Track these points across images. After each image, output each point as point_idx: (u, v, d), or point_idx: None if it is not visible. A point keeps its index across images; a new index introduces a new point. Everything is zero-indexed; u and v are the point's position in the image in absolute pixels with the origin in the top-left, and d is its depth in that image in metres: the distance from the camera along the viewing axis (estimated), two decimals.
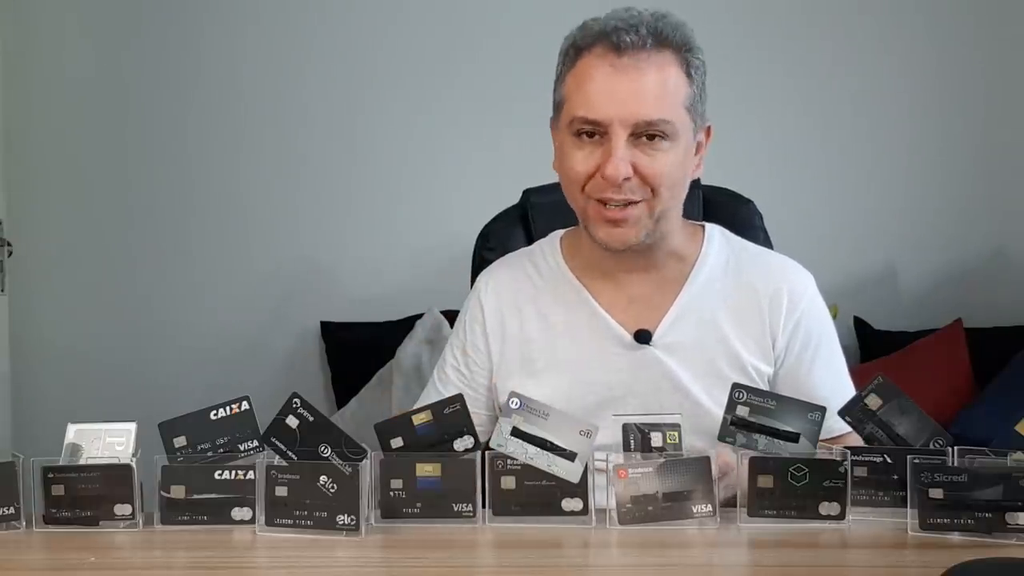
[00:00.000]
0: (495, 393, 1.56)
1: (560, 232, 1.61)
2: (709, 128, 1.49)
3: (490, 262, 1.71)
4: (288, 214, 3.43)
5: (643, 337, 1.49)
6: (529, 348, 1.54)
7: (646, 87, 1.39)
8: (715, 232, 1.56)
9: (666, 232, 1.48)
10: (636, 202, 1.41)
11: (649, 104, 1.38)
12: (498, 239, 1.81)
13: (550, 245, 1.60)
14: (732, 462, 1.26)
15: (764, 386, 1.48)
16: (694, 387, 1.47)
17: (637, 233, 1.44)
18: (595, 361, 1.50)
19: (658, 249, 1.50)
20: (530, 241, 1.76)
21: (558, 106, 1.48)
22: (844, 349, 1.58)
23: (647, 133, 1.39)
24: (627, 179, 1.39)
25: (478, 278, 1.63)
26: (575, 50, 1.44)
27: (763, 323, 1.50)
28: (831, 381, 1.50)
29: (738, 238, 1.59)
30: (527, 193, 1.86)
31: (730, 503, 1.26)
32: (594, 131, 1.41)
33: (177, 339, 3.42)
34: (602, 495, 1.24)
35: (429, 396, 1.55)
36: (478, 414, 1.53)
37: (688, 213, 1.58)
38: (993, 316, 3.23)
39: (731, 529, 1.22)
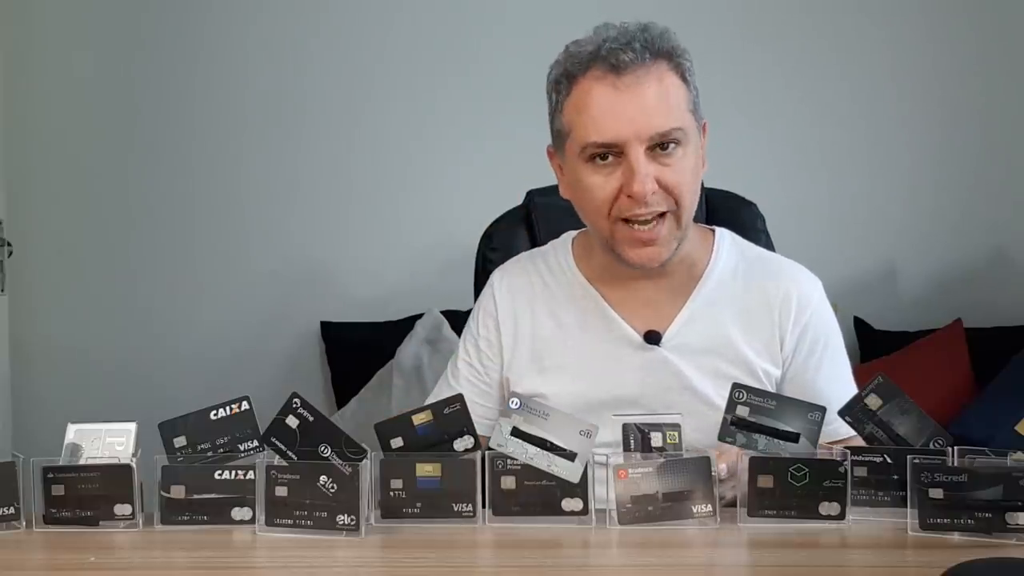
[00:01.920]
0: (506, 388, 1.56)
1: (572, 233, 1.62)
2: (705, 125, 1.51)
3: (493, 263, 1.72)
4: (288, 214, 3.43)
5: (653, 338, 1.50)
6: (540, 346, 1.54)
7: (651, 100, 1.40)
8: (725, 237, 1.58)
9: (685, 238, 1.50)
10: (663, 214, 1.42)
11: (659, 116, 1.39)
12: (502, 240, 1.81)
13: (562, 246, 1.61)
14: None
15: (772, 389, 1.49)
16: (703, 388, 1.48)
17: (669, 249, 1.45)
18: (605, 361, 1.51)
19: (672, 258, 1.50)
20: (534, 242, 1.77)
21: (560, 135, 1.48)
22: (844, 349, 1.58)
23: (661, 143, 1.40)
24: (653, 193, 1.40)
25: (492, 275, 1.63)
26: (567, 78, 1.44)
27: (772, 325, 1.51)
28: (836, 386, 1.50)
29: (747, 242, 1.60)
30: (531, 194, 1.86)
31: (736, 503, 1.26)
32: (608, 153, 1.41)
33: (177, 339, 3.42)
34: (602, 488, 1.24)
35: (441, 392, 1.56)
36: (490, 408, 1.54)
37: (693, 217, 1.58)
38: (993, 316, 3.23)
39: (731, 529, 1.23)
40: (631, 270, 1.50)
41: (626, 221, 1.43)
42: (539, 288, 1.57)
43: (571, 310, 1.54)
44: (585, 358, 1.52)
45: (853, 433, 1.31)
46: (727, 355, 1.50)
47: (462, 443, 1.27)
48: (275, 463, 1.23)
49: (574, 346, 1.52)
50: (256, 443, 1.27)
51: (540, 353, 1.54)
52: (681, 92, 1.43)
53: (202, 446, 1.27)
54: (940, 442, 1.24)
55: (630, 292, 1.52)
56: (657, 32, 1.42)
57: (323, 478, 1.20)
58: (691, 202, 1.45)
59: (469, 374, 1.58)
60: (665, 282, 1.52)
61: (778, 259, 1.61)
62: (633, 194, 1.39)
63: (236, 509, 1.25)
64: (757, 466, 1.23)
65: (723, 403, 1.30)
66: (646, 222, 1.42)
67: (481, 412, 1.49)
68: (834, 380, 1.52)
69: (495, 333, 1.57)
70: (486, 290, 1.62)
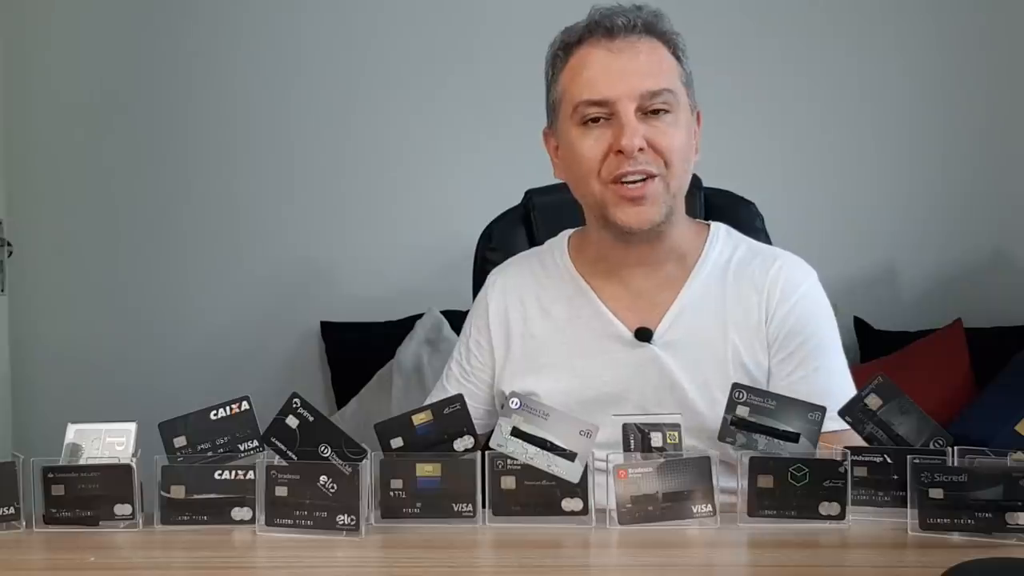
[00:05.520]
0: (497, 394, 1.56)
1: (569, 231, 1.62)
2: (699, 114, 1.51)
3: (492, 262, 1.72)
4: (288, 214, 3.43)
5: (643, 335, 1.49)
6: (531, 344, 1.54)
7: (643, 62, 1.43)
8: (720, 230, 1.57)
9: (676, 219, 1.49)
10: (653, 176, 1.43)
11: (651, 76, 1.42)
12: (500, 239, 1.82)
13: (558, 243, 1.61)
14: None
15: (764, 382, 1.48)
16: (692, 386, 1.47)
17: (659, 211, 1.44)
18: (596, 358, 1.50)
19: (664, 243, 1.50)
20: (532, 241, 1.77)
21: (555, 105, 1.50)
22: (844, 349, 1.55)
23: (652, 108, 1.42)
24: (641, 150, 1.41)
25: (489, 276, 1.64)
26: (564, 49, 1.48)
27: (759, 310, 1.50)
28: (823, 378, 1.47)
29: (743, 236, 1.59)
30: (529, 193, 1.87)
31: None
32: (599, 115, 1.43)
33: (177, 339, 3.42)
34: (602, 493, 1.24)
35: (436, 393, 1.57)
36: (476, 409, 1.54)
37: (691, 215, 1.58)
38: (993, 316, 3.23)
39: (731, 529, 1.22)
40: (624, 259, 1.50)
41: (616, 183, 1.43)
42: (532, 286, 1.58)
43: (562, 306, 1.54)
44: (576, 355, 1.51)
45: (844, 426, 1.30)
46: (718, 350, 1.48)
47: (462, 443, 1.27)
48: (275, 463, 1.23)
49: (565, 343, 1.52)
50: (256, 443, 1.27)
51: (531, 351, 1.54)
52: (673, 65, 1.46)
53: (202, 446, 1.27)
54: (940, 442, 1.24)
55: (623, 284, 1.52)
56: (651, 12, 1.46)
57: (323, 478, 1.20)
58: (681, 170, 1.45)
59: (459, 374, 1.60)
60: (658, 273, 1.52)
61: (771, 249, 1.59)
62: (622, 148, 1.41)
63: (236, 509, 1.25)
64: (757, 466, 1.23)
65: (711, 402, 1.29)
66: (635, 181, 1.43)
67: None
68: (821, 371, 1.48)
69: (485, 336, 1.58)
70: (482, 291, 1.63)
